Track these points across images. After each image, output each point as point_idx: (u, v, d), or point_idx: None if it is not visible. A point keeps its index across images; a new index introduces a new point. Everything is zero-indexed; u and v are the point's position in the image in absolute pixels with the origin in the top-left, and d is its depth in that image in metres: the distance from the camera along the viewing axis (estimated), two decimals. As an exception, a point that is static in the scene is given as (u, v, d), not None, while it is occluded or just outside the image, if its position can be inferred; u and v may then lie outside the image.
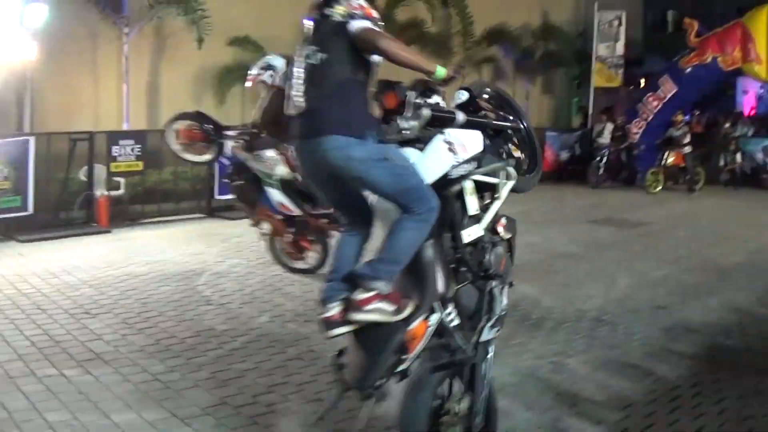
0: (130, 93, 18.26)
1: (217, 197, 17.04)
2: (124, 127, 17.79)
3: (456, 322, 5.23)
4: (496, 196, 5.50)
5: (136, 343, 8.24)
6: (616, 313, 9.79)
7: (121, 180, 15.83)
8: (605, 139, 25.68)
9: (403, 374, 5.03)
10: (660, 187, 23.49)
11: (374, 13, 5.35)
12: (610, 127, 25.93)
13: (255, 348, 8.14)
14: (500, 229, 5.62)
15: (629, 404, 6.88)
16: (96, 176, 15.16)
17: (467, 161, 5.33)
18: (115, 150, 15.34)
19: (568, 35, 30.29)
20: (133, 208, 16.19)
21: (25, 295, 10.06)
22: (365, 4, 5.32)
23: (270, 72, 10.64)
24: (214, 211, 16.98)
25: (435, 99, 5.53)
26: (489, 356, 5.43)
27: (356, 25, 5.07)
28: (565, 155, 27.33)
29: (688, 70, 25.15)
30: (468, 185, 5.30)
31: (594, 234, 15.69)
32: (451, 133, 5.33)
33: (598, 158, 25.24)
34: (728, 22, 25.44)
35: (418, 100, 5.28)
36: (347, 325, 4.94)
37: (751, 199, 22.75)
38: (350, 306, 4.90)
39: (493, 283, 5.43)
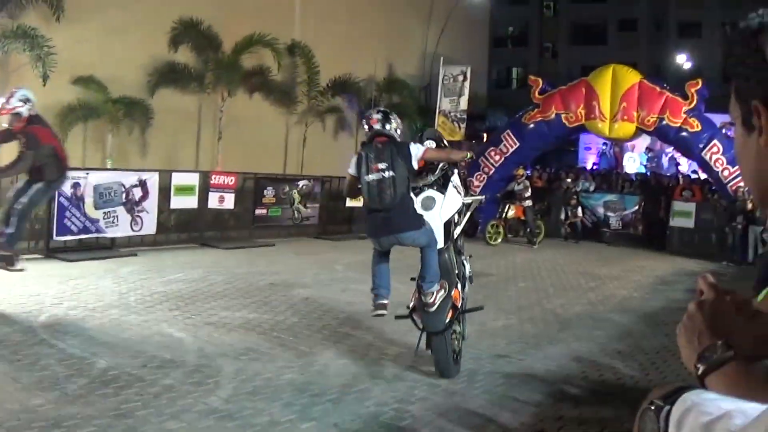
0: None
1: (56, 238, 16.60)
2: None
3: None
4: (468, 210, 9.94)
5: (-30, 385, 7.85)
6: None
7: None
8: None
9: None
10: (500, 240, 23.84)
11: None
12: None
13: (94, 391, 7.83)
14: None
15: (473, 451, 6.78)
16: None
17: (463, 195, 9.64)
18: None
19: (413, 88, 30.59)
20: (-33, 248, 15.55)
21: None
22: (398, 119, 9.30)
23: (28, 105, 11.07)
24: (52, 252, 16.47)
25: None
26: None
27: (419, 149, 8.85)
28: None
29: (531, 125, 25.63)
30: None
31: (435, 284, 15.56)
32: (454, 180, 9.43)
33: (439, 211, 25.25)
34: (572, 81, 26.07)
35: (443, 166, 9.41)
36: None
37: (591, 252, 23.30)
38: (427, 305, 8.70)
39: (463, 257, 9.98)
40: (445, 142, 10.10)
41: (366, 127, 9.15)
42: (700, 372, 1.51)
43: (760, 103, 1.44)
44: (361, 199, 9.24)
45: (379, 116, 9.01)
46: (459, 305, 9.25)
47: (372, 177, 8.65)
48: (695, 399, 1.38)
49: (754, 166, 1.50)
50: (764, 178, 1.50)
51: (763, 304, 1.74)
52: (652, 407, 1.43)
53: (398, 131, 9.01)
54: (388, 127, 8.91)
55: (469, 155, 9.75)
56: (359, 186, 8.95)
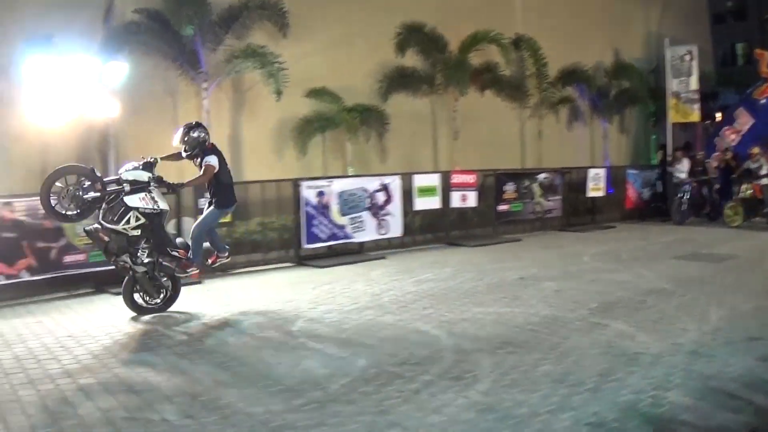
0: (213, 147, 18.50)
1: (306, 246, 17.35)
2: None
3: None
4: None
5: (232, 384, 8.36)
6: (711, 346, 9.71)
7: (209, 232, 15.95)
8: (683, 174, 25.53)
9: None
10: (739, 221, 23.32)
11: None
12: (686, 162, 25.75)
13: (355, 390, 8.18)
14: None
15: (733, 434, 6.81)
16: (185, 229, 15.30)
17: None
18: (201, 203, 15.38)
19: (641, 72, 30.10)
20: (223, 260, 16.30)
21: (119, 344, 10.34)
22: None
23: None
24: (303, 260, 17.23)
25: None
26: None
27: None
28: (647, 193, 27.31)
29: (763, 101, 25.04)
30: None
31: (681, 269, 15.56)
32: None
33: (680, 195, 25.08)
34: (797, 49, 25.43)
35: None
36: None
37: (840, 226, 22.35)
38: None
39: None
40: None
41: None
42: None
43: None
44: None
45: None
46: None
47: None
48: None
49: None
50: None
51: None
52: None
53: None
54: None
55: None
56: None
